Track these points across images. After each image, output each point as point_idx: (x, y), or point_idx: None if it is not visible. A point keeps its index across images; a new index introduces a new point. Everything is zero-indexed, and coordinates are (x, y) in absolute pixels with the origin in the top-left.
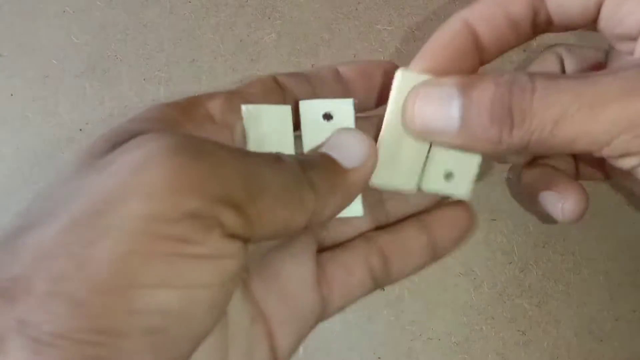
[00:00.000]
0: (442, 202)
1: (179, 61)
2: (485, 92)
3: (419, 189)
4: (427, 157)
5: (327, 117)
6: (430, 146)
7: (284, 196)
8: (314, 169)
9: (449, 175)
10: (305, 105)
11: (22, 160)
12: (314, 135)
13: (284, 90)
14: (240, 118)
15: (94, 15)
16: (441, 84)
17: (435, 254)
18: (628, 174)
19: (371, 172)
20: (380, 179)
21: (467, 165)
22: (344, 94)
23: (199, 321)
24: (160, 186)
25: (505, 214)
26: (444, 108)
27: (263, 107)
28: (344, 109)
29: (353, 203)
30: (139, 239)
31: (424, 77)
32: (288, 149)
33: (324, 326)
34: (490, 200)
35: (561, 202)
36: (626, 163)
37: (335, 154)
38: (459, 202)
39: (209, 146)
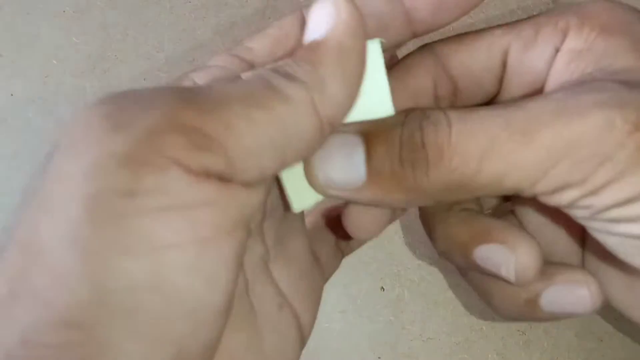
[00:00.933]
0: None
1: (179, 61)
2: (392, 132)
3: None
4: None
5: None
6: None
7: (252, 98)
8: (288, 62)
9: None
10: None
11: (22, 160)
12: None
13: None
14: None
15: (94, 15)
16: (341, 132)
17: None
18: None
19: (356, 27)
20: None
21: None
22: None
23: (182, 293)
24: (80, 138)
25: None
26: (346, 157)
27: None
28: (369, 53)
29: (381, 101)
30: (81, 206)
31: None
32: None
33: (323, 326)
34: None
35: (512, 257)
36: (565, 198)
37: (310, 35)
38: None
39: (135, 90)
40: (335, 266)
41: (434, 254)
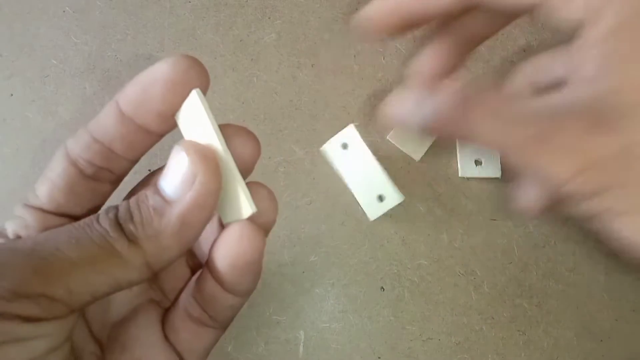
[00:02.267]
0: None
1: None
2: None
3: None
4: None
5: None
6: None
7: (94, 265)
8: (132, 218)
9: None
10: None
11: (22, 160)
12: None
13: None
14: None
15: (94, 15)
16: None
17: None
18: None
19: (204, 200)
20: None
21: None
22: (134, 137)
23: None
24: None
25: (505, 214)
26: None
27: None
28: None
29: (241, 203)
30: None
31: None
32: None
33: (324, 326)
34: (490, 201)
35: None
36: None
37: (162, 181)
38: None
39: None
40: (210, 341)
41: (434, 253)
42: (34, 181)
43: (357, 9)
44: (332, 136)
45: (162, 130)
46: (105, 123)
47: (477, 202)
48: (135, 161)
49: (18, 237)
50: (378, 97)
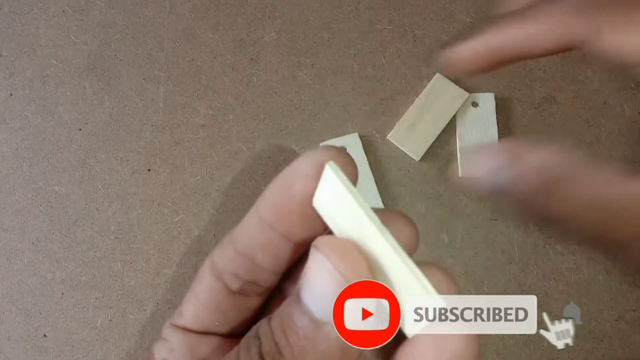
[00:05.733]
0: None
1: (178, 60)
2: None
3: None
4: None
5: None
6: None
7: None
8: (282, 353)
9: None
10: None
11: (22, 160)
12: None
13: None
14: None
15: (93, 15)
16: None
17: None
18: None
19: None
20: None
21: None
22: (276, 247)
23: None
24: None
25: (505, 214)
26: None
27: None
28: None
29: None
30: None
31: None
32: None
33: None
34: (490, 201)
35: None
36: None
37: (307, 298)
38: None
39: None
40: None
41: (434, 253)
42: (34, 181)
43: (357, 9)
44: (332, 135)
45: (305, 236)
46: (247, 233)
47: (477, 202)
48: (281, 273)
49: None
50: (378, 96)
